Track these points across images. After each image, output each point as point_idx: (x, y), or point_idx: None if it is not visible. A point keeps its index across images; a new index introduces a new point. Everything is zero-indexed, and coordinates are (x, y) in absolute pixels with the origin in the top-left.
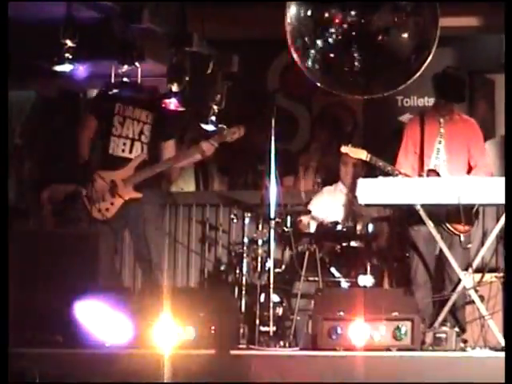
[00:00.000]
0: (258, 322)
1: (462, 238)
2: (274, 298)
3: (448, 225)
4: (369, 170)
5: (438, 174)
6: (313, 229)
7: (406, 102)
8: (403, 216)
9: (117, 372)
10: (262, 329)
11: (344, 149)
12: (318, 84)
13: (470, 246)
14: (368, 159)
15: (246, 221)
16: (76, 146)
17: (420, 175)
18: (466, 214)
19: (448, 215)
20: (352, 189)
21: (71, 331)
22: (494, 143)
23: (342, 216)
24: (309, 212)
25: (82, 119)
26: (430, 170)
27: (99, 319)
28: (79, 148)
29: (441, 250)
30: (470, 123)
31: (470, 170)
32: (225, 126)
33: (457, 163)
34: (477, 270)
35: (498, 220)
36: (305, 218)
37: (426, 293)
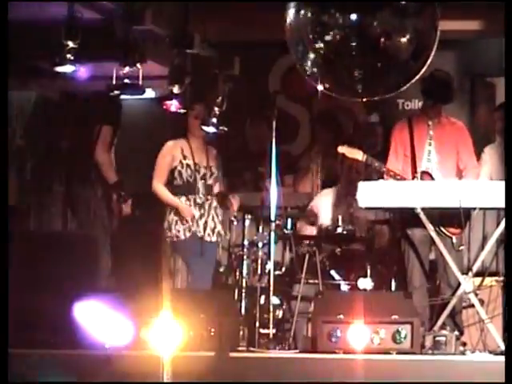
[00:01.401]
0: (257, 324)
1: (454, 240)
2: (274, 300)
3: (441, 227)
4: (369, 174)
5: (431, 176)
6: (314, 231)
7: (407, 105)
8: (399, 219)
9: (115, 373)
10: (262, 331)
11: (341, 149)
12: (318, 87)
13: (462, 248)
14: (364, 159)
15: (246, 223)
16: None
17: (414, 177)
18: (458, 216)
19: (440, 218)
20: (352, 191)
21: (70, 332)
22: (494, 147)
23: (343, 219)
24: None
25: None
26: (423, 172)
27: (99, 321)
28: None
29: (436, 254)
30: (458, 126)
31: (458, 171)
32: (226, 129)
33: (447, 165)
34: (477, 274)
35: (498, 224)
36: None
37: (422, 296)
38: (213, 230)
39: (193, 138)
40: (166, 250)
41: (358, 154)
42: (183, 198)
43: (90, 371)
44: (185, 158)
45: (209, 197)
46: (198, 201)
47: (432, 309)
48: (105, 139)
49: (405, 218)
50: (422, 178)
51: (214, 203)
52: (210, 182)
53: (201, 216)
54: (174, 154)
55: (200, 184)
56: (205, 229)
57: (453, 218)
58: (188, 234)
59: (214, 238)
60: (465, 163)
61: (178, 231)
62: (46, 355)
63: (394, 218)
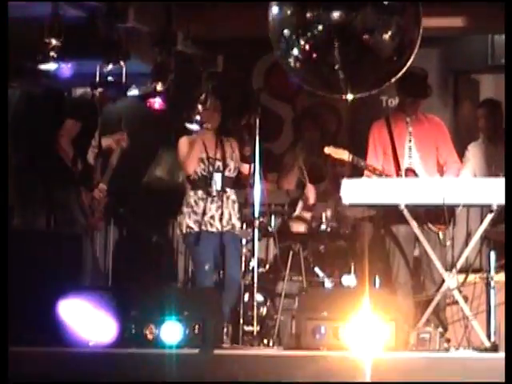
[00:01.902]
0: (241, 321)
1: (441, 236)
2: (258, 297)
3: (427, 223)
4: (355, 171)
5: (414, 173)
6: (300, 228)
7: (391, 102)
8: (384, 216)
9: (101, 371)
10: (246, 328)
11: (327, 149)
12: (301, 84)
13: (448, 243)
14: (350, 159)
15: None
16: None
17: (398, 175)
18: (443, 212)
19: (426, 214)
20: (336, 189)
21: (55, 330)
22: (477, 144)
23: (327, 216)
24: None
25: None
26: (407, 169)
27: (83, 318)
28: None
29: (420, 251)
30: (435, 121)
31: (439, 167)
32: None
33: (428, 161)
34: (461, 271)
35: (481, 221)
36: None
37: (408, 293)
38: (227, 222)
39: (206, 132)
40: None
41: (343, 154)
42: (200, 192)
43: (74, 369)
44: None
45: (226, 189)
46: (214, 194)
47: (416, 305)
48: (67, 132)
49: (389, 214)
50: (406, 175)
51: (232, 196)
52: (226, 173)
53: (217, 208)
54: (188, 148)
55: (216, 177)
56: (220, 220)
57: (439, 214)
58: (203, 228)
59: (233, 228)
60: (445, 158)
61: (192, 224)
62: (31, 353)
63: (378, 215)
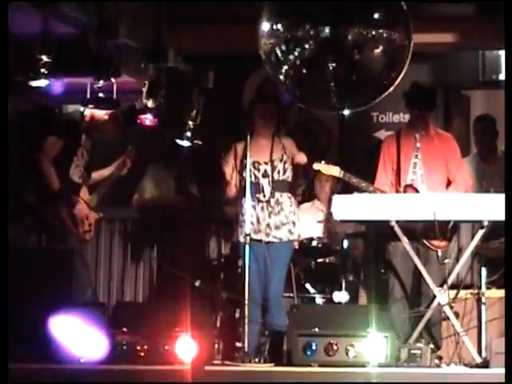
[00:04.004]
0: (233, 337)
1: (439, 254)
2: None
3: (425, 240)
4: (345, 186)
5: (415, 189)
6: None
7: (382, 118)
8: (380, 232)
9: None
10: (237, 344)
11: (316, 166)
12: (291, 100)
13: (447, 261)
14: (341, 176)
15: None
16: None
17: (397, 191)
18: (442, 229)
19: (425, 231)
20: (328, 205)
21: (46, 346)
22: (469, 160)
23: (320, 232)
24: None
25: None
26: (407, 186)
27: (74, 334)
28: None
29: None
30: (446, 137)
31: (448, 184)
32: (200, 142)
33: (434, 177)
34: (452, 287)
35: (473, 237)
36: None
37: (403, 308)
38: (282, 229)
39: (256, 137)
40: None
41: (334, 171)
42: (250, 198)
43: None
44: (244, 157)
45: (276, 193)
46: (262, 199)
47: (412, 320)
48: (47, 151)
49: (386, 230)
50: (405, 191)
51: (285, 201)
52: (276, 177)
53: (269, 214)
54: (236, 155)
55: (263, 181)
56: (276, 228)
57: (437, 232)
58: (254, 236)
59: (283, 236)
60: (453, 175)
61: (243, 233)
62: (22, 369)
63: (370, 231)
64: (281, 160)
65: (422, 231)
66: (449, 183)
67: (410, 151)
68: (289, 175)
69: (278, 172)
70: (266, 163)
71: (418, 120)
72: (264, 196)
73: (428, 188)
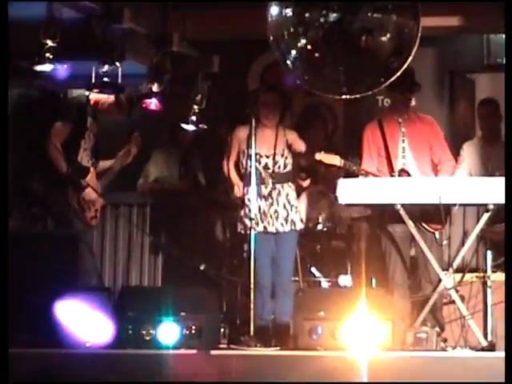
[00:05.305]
0: (238, 321)
1: (437, 236)
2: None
3: (423, 223)
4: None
5: (408, 174)
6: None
7: (387, 101)
8: (380, 216)
9: (98, 372)
10: (243, 329)
11: (318, 156)
12: (299, 83)
13: (445, 242)
14: (342, 165)
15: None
16: None
17: (392, 176)
18: (440, 212)
19: (421, 214)
20: (332, 189)
21: (52, 331)
22: (473, 143)
23: (323, 217)
24: None
25: None
26: (401, 170)
27: (80, 319)
28: None
29: (416, 250)
30: (428, 120)
31: (433, 166)
32: (205, 126)
33: (422, 160)
34: (457, 270)
35: (478, 220)
36: None
37: (404, 293)
38: (286, 219)
39: (261, 127)
40: None
41: (335, 160)
42: (251, 188)
43: (71, 370)
44: (248, 147)
45: (277, 185)
46: (264, 191)
47: (413, 305)
48: (54, 136)
49: (385, 214)
50: (400, 176)
51: (287, 191)
52: (276, 170)
53: (270, 205)
54: (239, 140)
55: (264, 174)
56: (277, 219)
57: (435, 214)
58: (257, 228)
59: (287, 228)
60: (439, 157)
61: (247, 225)
62: (28, 354)
63: (374, 215)
64: (282, 155)
65: (418, 214)
66: (433, 165)
67: (396, 136)
68: (289, 168)
69: (279, 167)
70: (268, 157)
71: (400, 104)
72: (266, 188)
73: (419, 171)
